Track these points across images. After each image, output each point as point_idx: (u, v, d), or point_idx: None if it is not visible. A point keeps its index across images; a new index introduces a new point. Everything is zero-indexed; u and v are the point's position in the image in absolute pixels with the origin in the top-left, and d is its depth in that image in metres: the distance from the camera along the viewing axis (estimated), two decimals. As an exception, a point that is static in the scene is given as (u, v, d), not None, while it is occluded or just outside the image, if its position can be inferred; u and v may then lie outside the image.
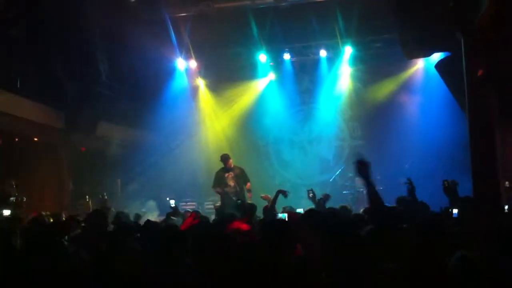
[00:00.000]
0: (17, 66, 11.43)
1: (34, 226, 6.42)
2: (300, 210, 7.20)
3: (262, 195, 9.00)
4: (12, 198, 9.88)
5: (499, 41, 7.79)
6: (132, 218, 8.21)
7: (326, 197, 7.91)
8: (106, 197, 10.84)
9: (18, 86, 11.48)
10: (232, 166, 11.60)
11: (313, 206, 7.10)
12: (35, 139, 13.37)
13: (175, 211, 8.00)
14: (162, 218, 8.83)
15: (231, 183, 11.36)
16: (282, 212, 6.66)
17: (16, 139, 13.36)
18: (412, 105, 14.57)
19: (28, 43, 11.25)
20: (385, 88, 14.98)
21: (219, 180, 11.34)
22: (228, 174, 11.46)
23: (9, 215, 7.57)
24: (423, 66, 14.55)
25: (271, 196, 8.36)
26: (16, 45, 11.16)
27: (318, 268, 3.51)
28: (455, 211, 5.59)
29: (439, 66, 11.54)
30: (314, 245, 3.84)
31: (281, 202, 8.14)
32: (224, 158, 11.67)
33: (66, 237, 5.36)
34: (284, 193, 8.13)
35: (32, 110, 12.00)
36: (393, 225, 4.10)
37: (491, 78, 7.85)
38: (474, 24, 7.53)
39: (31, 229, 5.91)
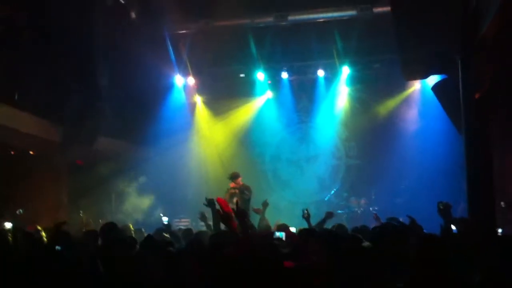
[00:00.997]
0: (16, 79, 11.44)
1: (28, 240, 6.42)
2: (293, 229, 7.21)
3: (255, 208, 9.18)
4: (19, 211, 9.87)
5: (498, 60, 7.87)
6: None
7: (330, 216, 7.80)
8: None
9: (16, 98, 11.49)
10: (241, 184, 11.66)
11: (306, 226, 7.08)
12: (31, 152, 13.36)
13: (168, 228, 7.96)
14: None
15: (235, 200, 11.35)
16: (278, 229, 6.62)
17: (12, 152, 13.35)
18: (409, 125, 14.61)
19: (27, 56, 11.27)
20: (383, 108, 15.07)
21: (227, 195, 11.35)
22: (235, 191, 11.50)
23: (11, 227, 7.55)
24: (420, 87, 14.62)
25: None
26: (16, 59, 11.18)
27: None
28: (453, 227, 5.62)
29: (436, 88, 11.59)
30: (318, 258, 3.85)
31: (275, 218, 8.31)
32: (234, 176, 11.72)
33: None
34: (266, 204, 8.68)
35: (29, 123, 11.98)
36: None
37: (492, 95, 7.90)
38: (473, 45, 7.57)
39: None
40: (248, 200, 11.37)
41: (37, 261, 4.31)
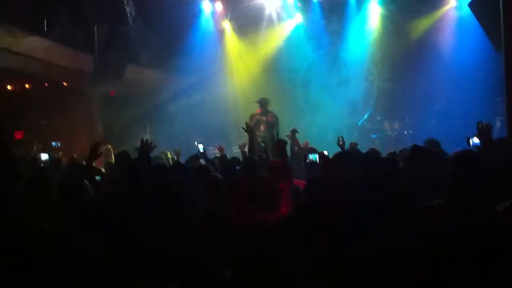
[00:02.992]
0: (45, 10, 11.42)
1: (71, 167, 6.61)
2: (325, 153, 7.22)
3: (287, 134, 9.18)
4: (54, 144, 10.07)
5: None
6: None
7: (354, 146, 7.90)
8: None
9: (45, 29, 11.50)
10: (268, 111, 11.59)
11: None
12: (64, 83, 13.48)
13: (203, 154, 8.05)
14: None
15: (262, 127, 11.36)
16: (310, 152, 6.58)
17: (46, 84, 13.50)
18: (444, 46, 14.09)
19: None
20: (416, 28, 14.57)
21: (254, 122, 11.33)
22: (261, 118, 11.46)
23: (47, 158, 7.71)
24: (456, 5, 14.07)
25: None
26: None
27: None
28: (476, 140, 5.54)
29: (473, 4, 11.17)
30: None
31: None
32: (263, 102, 11.65)
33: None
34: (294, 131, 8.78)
35: (60, 54, 12.06)
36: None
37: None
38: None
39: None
40: (275, 128, 11.34)
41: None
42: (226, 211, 4.10)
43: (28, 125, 13.33)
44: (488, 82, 11.80)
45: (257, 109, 11.80)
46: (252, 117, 11.54)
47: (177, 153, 8.26)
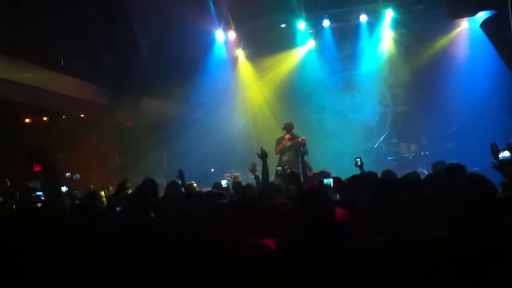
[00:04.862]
0: (59, 45, 11.64)
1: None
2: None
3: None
4: (68, 174, 10.14)
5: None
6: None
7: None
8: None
9: (62, 64, 11.72)
10: (296, 136, 11.55)
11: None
12: (81, 115, 13.67)
13: (219, 185, 8.10)
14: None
15: (289, 152, 11.31)
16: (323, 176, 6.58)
17: (63, 116, 13.69)
18: (457, 68, 14.07)
19: (67, 22, 11.43)
20: (429, 52, 14.58)
21: (281, 147, 11.30)
22: (287, 143, 11.42)
23: (65, 191, 7.81)
24: (468, 27, 14.09)
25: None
26: (57, 24, 11.35)
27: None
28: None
29: (485, 25, 11.18)
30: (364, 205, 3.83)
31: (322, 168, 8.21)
32: (288, 126, 11.64)
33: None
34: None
35: (76, 88, 12.27)
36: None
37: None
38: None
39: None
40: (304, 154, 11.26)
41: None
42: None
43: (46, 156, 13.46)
44: (503, 102, 11.75)
45: (284, 134, 11.72)
46: (278, 141, 11.53)
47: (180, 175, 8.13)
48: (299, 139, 11.28)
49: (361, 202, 3.99)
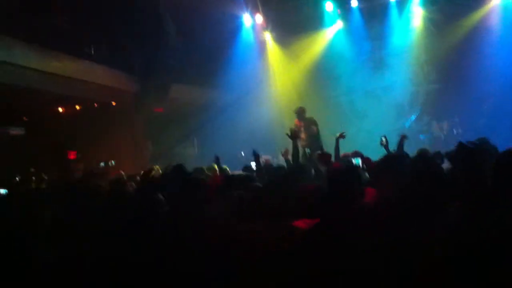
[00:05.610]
0: (89, 35, 11.79)
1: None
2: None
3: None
4: (102, 163, 10.30)
5: None
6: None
7: (404, 138, 7.47)
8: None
9: (92, 53, 11.87)
10: (306, 119, 11.54)
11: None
12: (113, 103, 13.84)
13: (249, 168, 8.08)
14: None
15: (303, 135, 11.31)
16: (353, 156, 6.52)
17: (95, 104, 13.89)
18: (489, 44, 13.74)
19: (97, 11, 11.55)
20: (460, 29, 14.25)
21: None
22: (300, 126, 11.41)
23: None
24: (499, 2, 13.73)
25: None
26: (87, 14, 11.49)
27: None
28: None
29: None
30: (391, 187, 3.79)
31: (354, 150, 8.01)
32: (300, 111, 11.63)
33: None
34: (342, 136, 7.79)
35: (106, 76, 12.41)
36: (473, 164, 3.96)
37: None
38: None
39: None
40: (316, 135, 11.21)
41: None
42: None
43: (80, 145, 13.73)
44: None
45: (295, 120, 11.74)
46: (291, 129, 11.50)
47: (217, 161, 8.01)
48: (308, 124, 11.25)
49: (391, 186, 3.94)
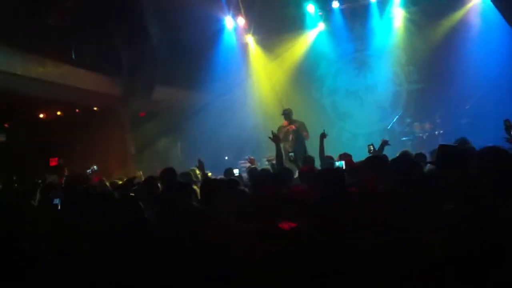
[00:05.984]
0: (71, 38, 11.69)
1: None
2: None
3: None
4: (88, 171, 10.22)
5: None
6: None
7: (385, 143, 7.60)
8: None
9: (73, 57, 11.78)
10: (294, 121, 11.60)
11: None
12: (95, 108, 13.74)
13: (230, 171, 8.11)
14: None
15: (291, 137, 11.36)
16: (338, 159, 6.56)
17: (77, 110, 13.77)
18: (469, 44, 13.86)
19: (79, 15, 11.47)
20: (440, 29, 14.37)
21: (283, 134, 11.30)
22: (288, 128, 11.46)
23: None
24: (479, 2, 13.85)
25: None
26: (69, 18, 11.40)
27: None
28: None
29: (497, -1, 11.00)
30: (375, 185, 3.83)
31: (337, 151, 8.04)
32: (287, 113, 11.68)
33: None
34: (324, 135, 7.64)
35: (89, 80, 12.32)
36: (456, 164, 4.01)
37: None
38: None
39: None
40: (303, 136, 11.29)
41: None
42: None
43: (62, 151, 13.61)
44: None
45: (283, 122, 11.80)
46: (280, 129, 11.53)
47: (200, 165, 8.01)
48: (296, 126, 11.31)
49: (386, 185, 3.97)
